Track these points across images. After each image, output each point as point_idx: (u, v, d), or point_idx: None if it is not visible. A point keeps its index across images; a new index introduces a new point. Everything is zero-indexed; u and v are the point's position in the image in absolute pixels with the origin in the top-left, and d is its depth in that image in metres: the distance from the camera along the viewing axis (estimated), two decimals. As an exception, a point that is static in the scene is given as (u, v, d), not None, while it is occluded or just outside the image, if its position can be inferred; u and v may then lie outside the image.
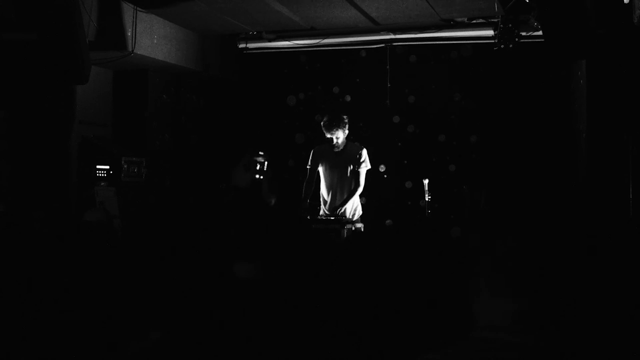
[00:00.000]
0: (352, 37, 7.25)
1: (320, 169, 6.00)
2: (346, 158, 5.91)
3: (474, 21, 6.70)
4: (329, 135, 5.85)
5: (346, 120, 5.87)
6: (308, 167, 6.05)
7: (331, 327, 2.31)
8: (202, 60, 7.38)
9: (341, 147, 5.92)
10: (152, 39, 6.50)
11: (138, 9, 6.20)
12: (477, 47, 7.05)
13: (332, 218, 5.72)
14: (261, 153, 6.16)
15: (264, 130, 8.02)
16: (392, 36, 7.16)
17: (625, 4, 5.10)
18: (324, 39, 7.28)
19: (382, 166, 7.40)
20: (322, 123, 5.89)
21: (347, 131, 5.90)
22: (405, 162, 7.45)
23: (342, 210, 5.80)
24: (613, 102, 5.63)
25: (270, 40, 7.44)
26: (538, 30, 6.12)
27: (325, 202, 6.00)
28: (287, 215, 6.06)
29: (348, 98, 7.73)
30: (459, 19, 6.73)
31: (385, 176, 7.47)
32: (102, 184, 6.21)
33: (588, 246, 5.54)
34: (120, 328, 3.01)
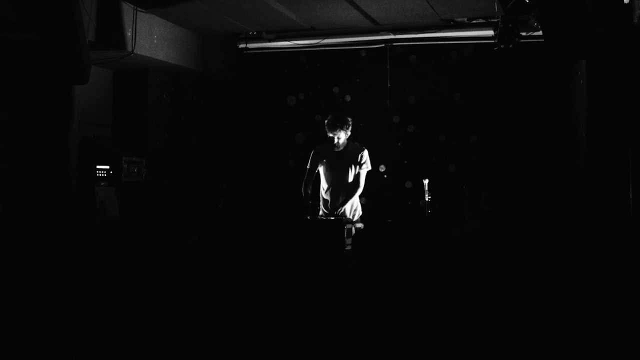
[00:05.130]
0: (352, 37, 7.26)
1: (321, 169, 6.00)
2: (347, 158, 5.91)
3: (474, 21, 6.70)
4: (330, 135, 5.85)
5: (350, 122, 5.87)
6: (307, 167, 6.05)
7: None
8: (202, 60, 7.39)
9: (342, 147, 5.92)
10: (152, 39, 6.50)
11: (138, 9, 6.20)
12: (477, 47, 7.05)
13: (331, 218, 5.72)
14: None
15: (264, 130, 8.02)
16: (392, 36, 7.16)
17: (625, 4, 5.11)
18: (324, 39, 7.28)
19: (382, 166, 7.40)
20: (325, 121, 5.89)
21: (349, 132, 5.90)
22: (405, 162, 7.45)
23: (342, 211, 5.80)
24: (613, 102, 5.63)
25: (270, 40, 7.44)
26: (538, 30, 6.13)
27: (325, 202, 5.99)
28: (287, 214, 6.07)
29: (348, 98, 7.73)
30: (459, 19, 6.73)
31: (385, 176, 7.47)
32: (102, 184, 6.22)
33: (588, 245, 5.55)
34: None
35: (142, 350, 4.13)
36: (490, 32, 6.60)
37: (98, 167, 6.23)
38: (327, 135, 5.91)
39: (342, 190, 5.90)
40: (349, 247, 5.53)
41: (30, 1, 4.94)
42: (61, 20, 4.94)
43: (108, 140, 6.83)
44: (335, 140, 5.85)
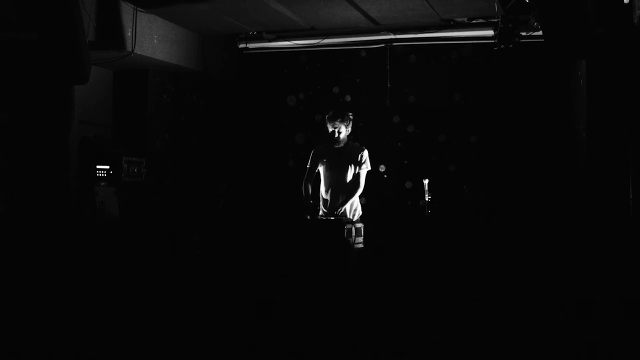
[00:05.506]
0: (352, 37, 7.26)
1: (321, 168, 5.99)
2: (347, 158, 5.90)
3: (474, 21, 6.70)
4: (331, 128, 5.84)
5: (350, 116, 5.87)
6: (307, 166, 6.05)
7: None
8: (202, 60, 7.38)
9: (342, 144, 5.91)
10: (152, 39, 6.50)
11: (138, 9, 6.20)
12: (477, 47, 7.05)
13: (331, 218, 5.72)
14: None
15: (264, 130, 8.02)
16: (392, 36, 7.16)
17: (625, 4, 5.11)
18: (324, 39, 7.28)
19: (382, 166, 7.40)
20: (326, 116, 5.90)
21: (350, 129, 5.89)
22: (405, 162, 7.45)
23: (342, 211, 5.79)
24: (613, 102, 5.63)
25: (270, 40, 7.44)
26: (538, 30, 6.13)
27: (324, 201, 5.99)
28: (287, 214, 6.07)
29: (348, 98, 7.73)
30: (459, 19, 6.73)
31: (385, 176, 7.47)
32: (102, 183, 6.22)
33: (588, 245, 5.55)
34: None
35: (142, 350, 4.13)
36: (490, 32, 6.60)
37: (98, 167, 6.23)
38: (327, 132, 5.91)
39: (341, 190, 5.89)
40: (361, 246, 5.56)
41: (30, 1, 4.94)
42: (61, 20, 4.94)
43: (108, 140, 6.83)
44: (336, 135, 5.84)
